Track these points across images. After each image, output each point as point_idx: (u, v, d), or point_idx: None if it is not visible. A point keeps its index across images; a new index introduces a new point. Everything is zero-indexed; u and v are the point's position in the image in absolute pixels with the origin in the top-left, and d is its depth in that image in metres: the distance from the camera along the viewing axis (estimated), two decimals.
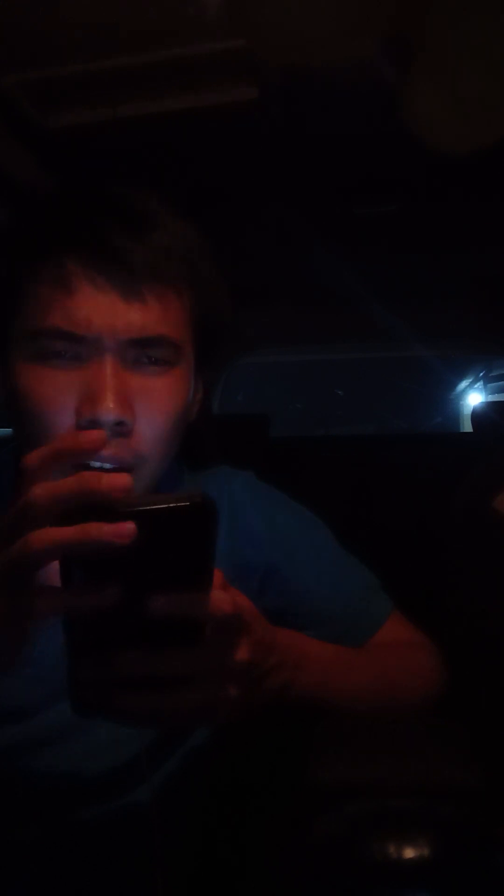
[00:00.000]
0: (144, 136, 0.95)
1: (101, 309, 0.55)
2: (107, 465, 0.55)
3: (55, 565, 0.39)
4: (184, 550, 0.39)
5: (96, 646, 0.41)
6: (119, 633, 0.41)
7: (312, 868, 0.43)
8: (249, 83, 0.83)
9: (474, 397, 4.51)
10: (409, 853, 0.40)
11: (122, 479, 0.38)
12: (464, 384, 4.60)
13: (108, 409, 0.53)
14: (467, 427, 1.81)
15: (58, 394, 0.55)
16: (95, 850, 0.61)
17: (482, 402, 1.77)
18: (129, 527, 0.36)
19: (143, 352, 0.57)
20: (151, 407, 0.57)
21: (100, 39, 0.76)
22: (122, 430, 0.55)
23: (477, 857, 0.42)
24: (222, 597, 0.42)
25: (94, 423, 0.54)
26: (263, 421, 1.66)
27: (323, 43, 0.76)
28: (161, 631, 0.41)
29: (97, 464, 0.55)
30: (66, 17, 0.72)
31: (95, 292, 0.55)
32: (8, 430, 0.73)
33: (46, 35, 0.75)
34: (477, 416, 1.62)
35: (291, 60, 0.79)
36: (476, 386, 4.48)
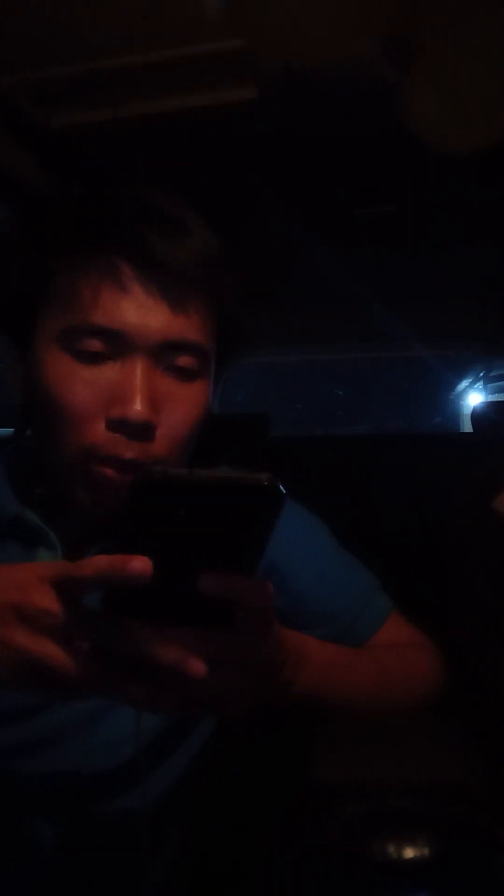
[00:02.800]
0: (144, 136, 0.95)
1: (141, 309, 0.56)
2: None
3: None
4: (243, 530, 0.39)
5: (133, 617, 0.41)
6: (156, 607, 0.41)
7: (313, 868, 0.43)
8: (249, 83, 0.83)
9: (474, 397, 4.50)
10: (409, 853, 0.40)
11: (143, 566, 0.38)
12: (464, 384, 4.59)
13: (137, 412, 0.54)
14: (467, 427, 1.81)
15: (87, 390, 0.56)
16: (92, 851, 0.61)
17: (482, 402, 1.77)
18: (143, 566, 0.38)
19: (174, 357, 0.58)
20: (176, 413, 0.58)
21: (100, 39, 0.76)
22: (146, 432, 0.55)
23: (477, 857, 0.42)
24: (264, 585, 0.42)
25: (123, 423, 0.55)
26: (263, 421, 1.66)
27: (323, 43, 0.76)
28: (199, 610, 0.41)
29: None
30: (67, 17, 0.72)
31: (138, 293, 0.56)
32: (8, 431, 0.73)
33: (47, 35, 0.75)
34: (477, 416, 1.62)
35: (291, 60, 0.79)
36: (476, 386, 4.47)
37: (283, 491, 0.38)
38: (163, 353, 0.57)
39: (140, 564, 0.38)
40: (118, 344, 0.56)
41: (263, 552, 0.41)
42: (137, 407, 0.54)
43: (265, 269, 1.46)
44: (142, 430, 0.55)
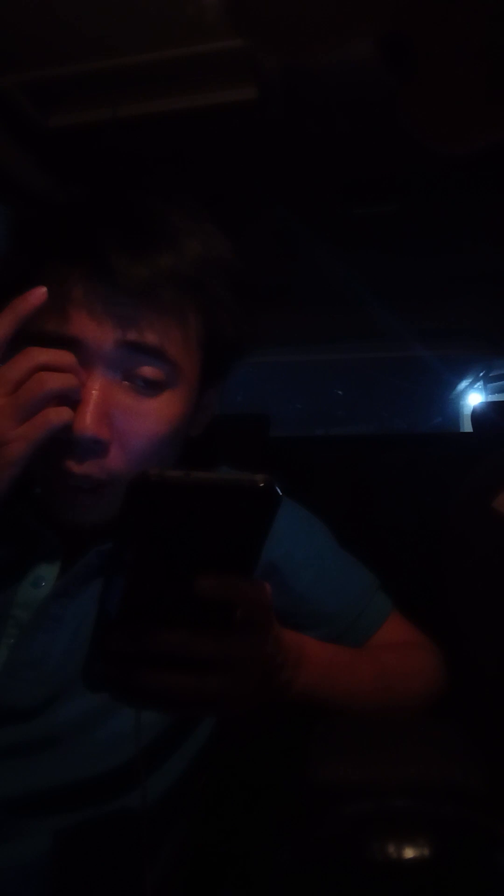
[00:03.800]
0: (144, 136, 0.95)
1: (98, 318, 0.55)
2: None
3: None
4: (240, 531, 0.39)
5: (132, 618, 0.41)
6: (158, 609, 0.41)
7: (312, 868, 0.43)
8: (249, 83, 0.83)
9: (474, 397, 4.50)
10: (409, 853, 0.40)
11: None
12: (464, 384, 4.59)
13: (84, 427, 0.53)
14: (467, 427, 1.81)
15: None
16: (90, 853, 0.61)
17: (482, 402, 1.77)
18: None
19: (135, 366, 0.56)
20: (134, 428, 0.56)
21: (100, 39, 0.76)
22: (97, 447, 0.54)
23: (477, 857, 0.42)
24: (262, 585, 0.42)
25: (71, 437, 0.53)
26: (263, 421, 1.66)
27: (323, 43, 0.76)
28: (197, 611, 0.41)
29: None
30: (67, 17, 0.72)
31: (93, 306, 0.55)
32: None
33: (47, 35, 0.75)
34: (477, 416, 1.62)
35: (291, 60, 0.79)
36: (476, 386, 4.47)
37: (280, 492, 0.38)
38: (122, 360, 0.55)
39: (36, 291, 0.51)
40: (75, 353, 0.54)
41: (261, 553, 0.41)
42: (85, 422, 0.53)
43: (265, 270, 1.46)
44: (91, 445, 0.54)
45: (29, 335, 0.55)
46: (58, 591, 0.60)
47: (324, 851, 0.43)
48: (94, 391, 0.54)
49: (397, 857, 0.40)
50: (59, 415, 0.51)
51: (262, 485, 0.38)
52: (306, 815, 0.46)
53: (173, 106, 0.87)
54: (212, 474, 0.38)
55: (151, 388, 0.57)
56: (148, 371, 0.56)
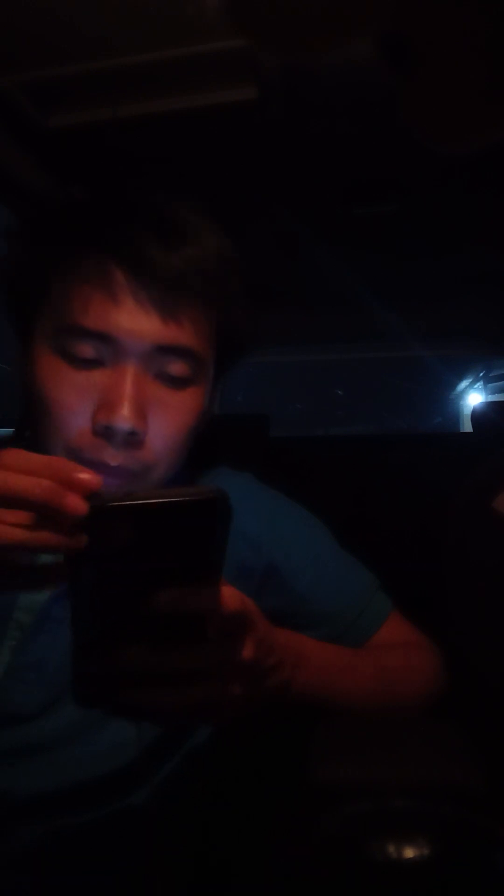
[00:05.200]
0: (144, 136, 0.95)
1: (133, 315, 0.56)
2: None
3: None
4: (194, 545, 0.39)
5: (104, 639, 0.41)
6: (127, 627, 0.41)
7: (312, 868, 0.43)
8: (249, 83, 0.83)
9: (474, 397, 4.50)
10: (409, 853, 0.40)
11: (93, 482, 0.38)
12: (464, 384, 4.59)
13: (124, 419, 0.54)
14: (467, 427, 1.81)
15: (76, 394, 0.55)
16: (93, 854, 0.61)
17: (482, 402, 1.77)
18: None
19: (165, 363, 0.57)
20: (166, 420, 0.58)
21: (100, 39, 0.76)
22: (133, 439, 0.55)
23: (477, 857, 0.42)
24: (229, 593, 0.42)
25: (108, 430, 0.54)
26: (263, 421, 1.66)
27: (323, 43, 0.75)
28: (167, 626, 0.41)
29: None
30: (67, 16, 0.72)
31: (130, 299, 0.56)
32: (8, 431, 0.73)
33: (46, 35, 0.75)
34: (477, 416, 1.62)
35: (291, 60, 0.79)
36: (476, 386, 4.47)
37: (228, 501, 0.38)
38: (154, 358, 0.57)
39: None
40: (110, 349, 0.56)
41: (221, 562, 0.41)
42: (124, 413, 0.54)
43: (265, 269, 1.46)
44: (128, 437, 0.55)
45: (66, 329, 0.56)
46: (60, 593, 0.60)
47: (324, 851, 0.43)
48: (130, 386, 0.55)
49: (397, 857, 0.40)
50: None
51: (202, 499, 0.37)
52: (306, 814, 0.46)
53: (173, 106, 0.86)
54: (155, 492, 0.38)
55: (178, 383, 0.59)
56: (178, 368, 0.58)
